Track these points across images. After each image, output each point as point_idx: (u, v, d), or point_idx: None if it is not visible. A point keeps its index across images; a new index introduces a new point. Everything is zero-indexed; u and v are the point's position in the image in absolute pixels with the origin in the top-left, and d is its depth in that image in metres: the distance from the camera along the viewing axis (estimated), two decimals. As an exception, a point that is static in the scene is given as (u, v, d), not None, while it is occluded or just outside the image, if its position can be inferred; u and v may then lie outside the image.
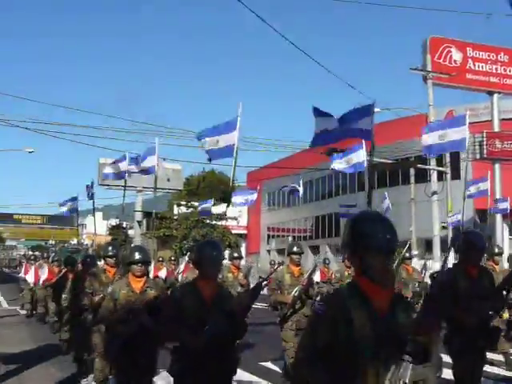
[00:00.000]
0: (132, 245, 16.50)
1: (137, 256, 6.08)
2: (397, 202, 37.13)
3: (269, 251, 54.27)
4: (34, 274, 16.96)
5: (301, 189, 22.70)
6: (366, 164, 15.96)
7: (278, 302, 8.74)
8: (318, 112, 10.57)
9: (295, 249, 8.88)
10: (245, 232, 58.75)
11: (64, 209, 20.45)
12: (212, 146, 10.24)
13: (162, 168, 46.72)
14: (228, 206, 11.95)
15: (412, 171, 30.13)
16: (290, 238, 48.99)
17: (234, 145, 9.45)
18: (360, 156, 16.07)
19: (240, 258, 10.90)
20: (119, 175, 14.60)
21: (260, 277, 8.98)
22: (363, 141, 14.78)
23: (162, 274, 15.60)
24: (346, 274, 11.38)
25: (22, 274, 21.69)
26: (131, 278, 6.07)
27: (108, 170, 15.63)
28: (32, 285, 17.68)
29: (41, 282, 15.66)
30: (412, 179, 30.02)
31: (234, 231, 44.59)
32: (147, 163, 14.18)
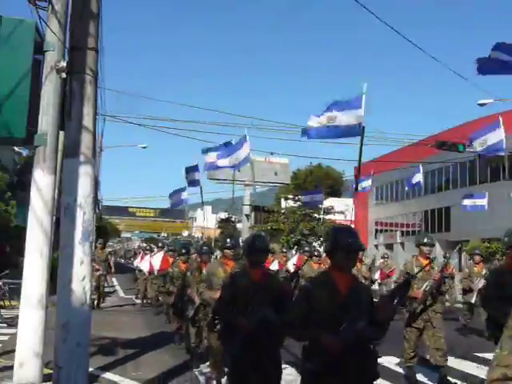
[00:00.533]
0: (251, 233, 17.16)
1: (257, 244, 5.70)
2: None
3: (376, 246, 53.47)
4: (149, 264, 17.52)
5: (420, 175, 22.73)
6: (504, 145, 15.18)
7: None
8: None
9: (426, 240, 8.30)
10: (352, 226, 58.12)
11: (174, 199, 21.28)
12: (330, 122, 10.01)
13: (268, 162, 47.25)
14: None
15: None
16: (399, 233, 48.07)
17: (359, 124, 9.25)
18: (497, 136, 15.34)
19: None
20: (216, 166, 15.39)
21: (407, 273, 8.30)
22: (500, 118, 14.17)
23: (274, 266, 15.04)
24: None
25: (136, 263, 22.68)
26: (248, 268, 5.72)
27: (210, 159, 16.33)
28: (147, 274, 18.35)
29: (155, 271, 16.19)
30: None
31: (341, 225, 44.24)
32: (241, 153, 14.60)
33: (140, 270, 20.25)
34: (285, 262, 16.78)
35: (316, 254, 13.70)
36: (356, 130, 9.72)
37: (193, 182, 19.99)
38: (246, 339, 5.13)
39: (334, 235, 4.18)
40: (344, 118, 9.89)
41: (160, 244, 23.04)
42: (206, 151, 17.91)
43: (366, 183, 25.95)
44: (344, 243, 4.02)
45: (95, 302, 16.50)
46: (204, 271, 8.44)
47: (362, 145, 9.47)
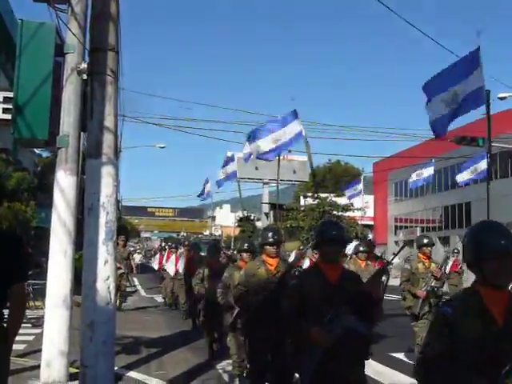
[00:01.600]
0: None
1: (270, 237, 6.16)
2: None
3: (396, 242, 53.22)
4: (174, 265, 17.16)
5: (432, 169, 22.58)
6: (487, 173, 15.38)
7: (410, 293, 8.63)
8: (427, 90, 10.05)
9: (426, 241, 8.71)
10: (372, 223, 58.05)
11: (202, 197, 20.76)
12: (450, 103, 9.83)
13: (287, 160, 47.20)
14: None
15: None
16: (419, 229, 47.79)
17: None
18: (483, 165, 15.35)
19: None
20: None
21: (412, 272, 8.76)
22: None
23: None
24: None
25: (155, 263, 22.85)
26: (266, 259, 6.19)
27: (246, 149, 15.25)
28: (172, 274, 17.39)
29: (180, 270, 16.10)
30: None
31: (360, 222, 44.16)
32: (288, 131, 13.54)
33: (164, 270, 19.13)
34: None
35: (362, 249, 10.89)
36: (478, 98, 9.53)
37: (229, 176, 18.82)
38: (324, 355, 3.97)
39: (319, 229, 4.45)
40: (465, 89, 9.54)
41: (186, 242, 22.69)
42: (250, 137, 16.01)
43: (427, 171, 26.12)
44: (328, 235, 4.23)
45: (117, 302, 15.93)
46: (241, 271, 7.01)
47: (488, 113, 9.19)
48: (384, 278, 4.19)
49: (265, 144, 15.27)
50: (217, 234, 68.42)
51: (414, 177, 30.48)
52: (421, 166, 41.55)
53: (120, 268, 16.10)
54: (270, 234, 6.33)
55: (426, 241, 8.73)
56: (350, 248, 11.85)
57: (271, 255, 6.25)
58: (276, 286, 5.54)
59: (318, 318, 3.93)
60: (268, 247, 6.24)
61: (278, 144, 14.64)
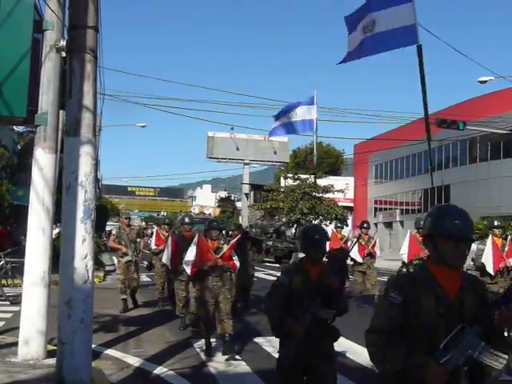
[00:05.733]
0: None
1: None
2: (512, 174, 35.91)
3: (376, 224, 53.66)
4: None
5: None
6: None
7: None
8: (349, 22, 9.65)
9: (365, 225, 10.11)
10: (351, 205, 58.40)
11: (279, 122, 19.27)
12: (368, 31, 9.47)
13: (269, 141, 47.19)
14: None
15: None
16: (398, 211, 48.20)
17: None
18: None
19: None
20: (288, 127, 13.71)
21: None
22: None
23: None
24: None
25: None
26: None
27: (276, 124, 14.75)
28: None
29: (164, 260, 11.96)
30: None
31: (340, 204, 44.36)
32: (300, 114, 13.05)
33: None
34: None
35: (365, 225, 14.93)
36: (409, 37, 9.06)
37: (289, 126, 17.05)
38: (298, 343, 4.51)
39: (303, 235, 4.93)
40: (387, 20, 9.06)
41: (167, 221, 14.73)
42: (278, 116, 15.80)
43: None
44: (312, 241, 4.74)
45: (128, 303, 12.70)
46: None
47: (422, 68, 8.60)
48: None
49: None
50: (207, 212, 68.29)
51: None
52: (401, 149, 41.84)
53: (126, 254, 12.74)
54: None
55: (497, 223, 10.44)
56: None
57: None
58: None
59: (299, 311, 4.50)
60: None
61: (290, 120, 14.51)
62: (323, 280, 4.60)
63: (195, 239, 8.61)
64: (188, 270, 8.59)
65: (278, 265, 30.18)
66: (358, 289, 14.35)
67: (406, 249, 12.80)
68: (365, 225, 15.00)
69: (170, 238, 11.13)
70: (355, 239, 14.22)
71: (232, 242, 8.89)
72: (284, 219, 37.20)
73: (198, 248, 8.44)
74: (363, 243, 14.38)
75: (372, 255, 14.56)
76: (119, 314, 11.82)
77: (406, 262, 12.30)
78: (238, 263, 8.76)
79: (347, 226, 15.84)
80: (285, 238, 34.21)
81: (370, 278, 14.28)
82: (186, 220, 11.49)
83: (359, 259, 14.24)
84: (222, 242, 8.85)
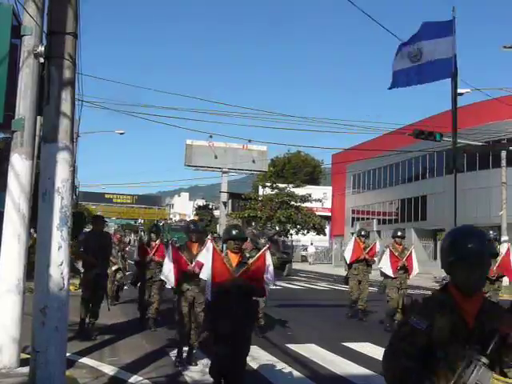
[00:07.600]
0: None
1: (233, 233, 6.66)
2: (488, 185, 36.36)
3: (353, 234, 53.90)
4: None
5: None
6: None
7: None
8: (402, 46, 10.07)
9: (399, 233, 12.10)
10: (329, 214, 58.61)
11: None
12: (416, 59, 9.56)
13: (247, 150, 47.26)
14: None
15: (504, 154, 28.97)
16: (375, 221, 48.46)
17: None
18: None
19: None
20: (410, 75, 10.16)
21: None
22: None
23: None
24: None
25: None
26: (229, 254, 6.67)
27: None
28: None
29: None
30: (503, 162, 28.84)
31: (318, 213, 44.49)
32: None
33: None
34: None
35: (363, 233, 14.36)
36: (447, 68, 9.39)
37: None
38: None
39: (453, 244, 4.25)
40: (432, 51, 9.34)
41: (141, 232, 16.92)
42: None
43: None
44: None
45: (108, 303, 11.98)
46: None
47: (455, 85, 8.74)
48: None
49: (401, 61, 11.20)
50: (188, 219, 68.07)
51: None
52: (379, 160, 42.12)
53: (115, 263, 14.78)
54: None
55: (399, 233, 12.63)
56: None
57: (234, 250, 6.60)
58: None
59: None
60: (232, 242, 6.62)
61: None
62: (486, 323, 2.74)
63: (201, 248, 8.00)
64: (173, 281, 8.45)
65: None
66: (391, 305, 12.01)
67: (350, 252, 13.64)
68: (399, 233, 12.72)
69: (169, 251, 8.78)
70: (387, 249, 12.40)
71: (258, 254, 6.83)
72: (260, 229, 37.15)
73: (174, 259, 8.36)
74: (396, 254, 12.25)
75: (407, 269, 12.27)
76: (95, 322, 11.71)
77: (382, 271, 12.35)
78: (269, 286, 6.85)
79: (353, 234, 15.61)
80: (278, 248, 33.64)
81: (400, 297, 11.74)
82: (192, 227, 9.23)
83: (390, 273, 12.12)
84: (248, 254, 8.04)
